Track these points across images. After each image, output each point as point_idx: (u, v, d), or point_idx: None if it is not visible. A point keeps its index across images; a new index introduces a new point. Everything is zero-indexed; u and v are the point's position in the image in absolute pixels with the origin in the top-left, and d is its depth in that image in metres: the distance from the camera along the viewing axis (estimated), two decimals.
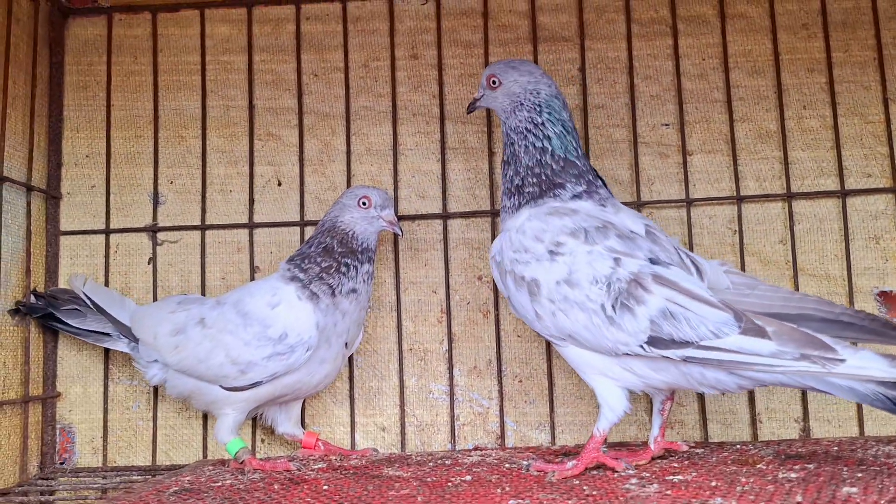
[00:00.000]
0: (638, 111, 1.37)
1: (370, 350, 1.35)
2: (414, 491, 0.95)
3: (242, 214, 1.39)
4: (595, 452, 1.02)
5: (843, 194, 1.32)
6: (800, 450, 1.11)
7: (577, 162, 1.10)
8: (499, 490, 0.94)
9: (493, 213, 1.36)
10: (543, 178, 1.09)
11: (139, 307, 1.28)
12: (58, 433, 1.34)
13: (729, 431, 1.30)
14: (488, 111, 1.35)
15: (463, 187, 1.38)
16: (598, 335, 0.99)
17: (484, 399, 1.33)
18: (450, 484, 0.99)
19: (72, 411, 1.35)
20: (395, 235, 1.33)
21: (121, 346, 1.26)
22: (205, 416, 1.34)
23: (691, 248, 1.32)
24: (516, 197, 1.10)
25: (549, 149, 1.10)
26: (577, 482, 0.97)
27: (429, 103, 1.40)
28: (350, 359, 1.33)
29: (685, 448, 1.13)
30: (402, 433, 1.33)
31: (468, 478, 1.02)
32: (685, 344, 0.95)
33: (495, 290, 1.34)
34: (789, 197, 1.33)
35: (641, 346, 0.97)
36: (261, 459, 1.15)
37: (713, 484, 0.91)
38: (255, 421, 1.33)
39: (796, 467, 0.98)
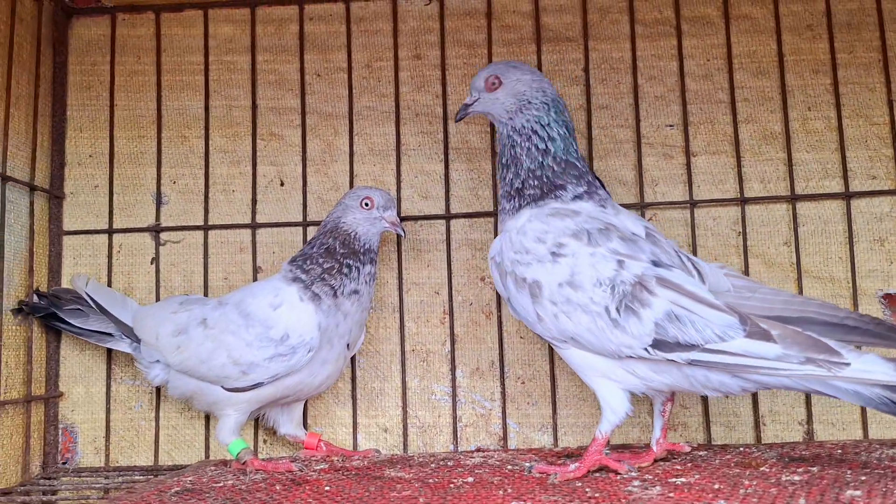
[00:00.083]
0: (642, 112, 1.37)
1: (372, 351, 1.35)
2: (416, 492, 0.95)
3: (245, 215, 1.39)
4: (598, 454, 1.02)
5: (848, 196, 1.31)
6: (803, 453, 1.11)
7: (577, 163, 1.10)
8: (501, 492, 0.93)
9: (496, 214, 1.35)
10: (545, 179, 1.08)
11: (141, 307, 1.28)
12: (60, 433, 1.34)
13: (732, 434, 1.29)
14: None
15: (466, 188, 1.38)
16: (602, 338, 0.99)
17: (486, 400, 1.33)
18: (452, 485, 0.98)
19: (74, 411, 1.35)
20: (398, 236, 1.33)
21: (123, 346, 1.27)
22: (207, 417, 1.34)
23: (695, 250, 1.31)
24: (516, 199, 1.09)
25: (552, 150, 1.09)
26: (580, 484, 0.97)
27: (432, 103, 1.40)
28: (352, 360, 1.33)
29: (688, 449, 1.13)
30: (405, 434, 1.32)
31: (470, 479, 1.02)
32: (690, 347, 0.95)
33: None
34: (793, 199, 1.32)
35: (646, 350, 0.97)
36: (263, 460, 1.15)
37: (716, 486, 0.91)
38: (257, 422, 1.33)
39: (800, 470, 0.98)
